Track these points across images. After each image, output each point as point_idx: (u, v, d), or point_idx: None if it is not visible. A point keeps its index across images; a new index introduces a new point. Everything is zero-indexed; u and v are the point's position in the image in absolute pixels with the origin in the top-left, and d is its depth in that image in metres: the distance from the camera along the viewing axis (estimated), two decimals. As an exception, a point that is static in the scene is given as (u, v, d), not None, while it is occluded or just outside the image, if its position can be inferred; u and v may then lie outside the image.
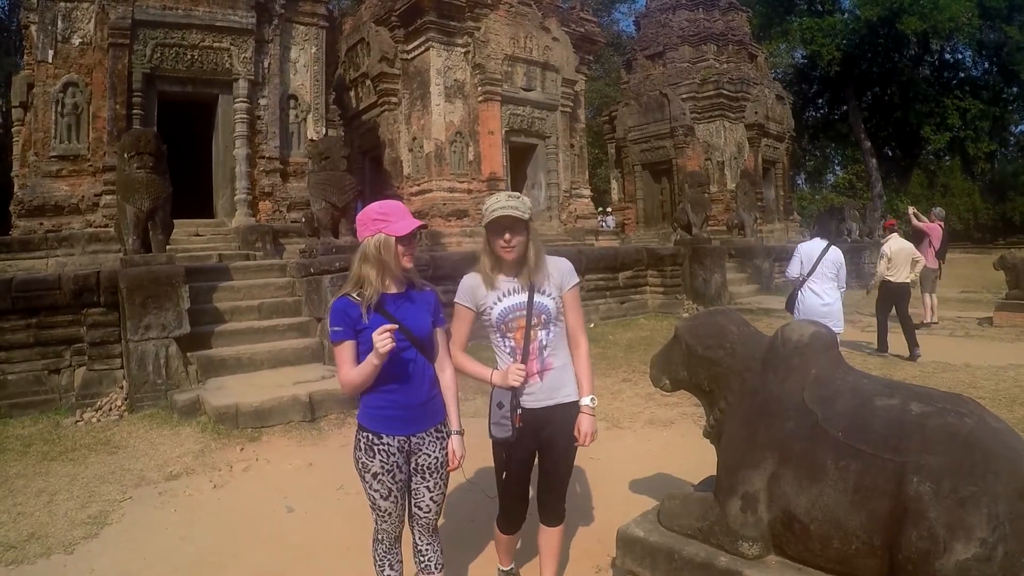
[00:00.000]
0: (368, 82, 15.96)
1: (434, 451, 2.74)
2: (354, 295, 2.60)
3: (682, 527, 2.82)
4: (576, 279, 2.97)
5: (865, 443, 2.27)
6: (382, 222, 2.59)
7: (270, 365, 7.74)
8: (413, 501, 2.79)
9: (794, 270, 6.91)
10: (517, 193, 2.90)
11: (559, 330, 2.92)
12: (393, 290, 2.68)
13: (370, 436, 2.67)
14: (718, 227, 18.82)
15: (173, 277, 7.46)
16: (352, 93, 17.04)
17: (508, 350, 2.90)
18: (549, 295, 2.87)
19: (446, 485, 2.84)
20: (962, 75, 39.46)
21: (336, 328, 2.60)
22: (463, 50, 14.58)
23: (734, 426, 2.66)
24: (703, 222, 14.70)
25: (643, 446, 5.78)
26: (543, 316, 2.84)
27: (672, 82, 21.63)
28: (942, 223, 12.28)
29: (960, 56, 39.82)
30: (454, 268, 9.65)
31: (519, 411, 2.80)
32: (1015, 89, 37.57)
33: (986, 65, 39.39)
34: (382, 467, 2.65)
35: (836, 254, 6.79)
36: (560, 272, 2.92)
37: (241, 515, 4.56)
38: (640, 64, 23.38)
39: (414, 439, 2.70)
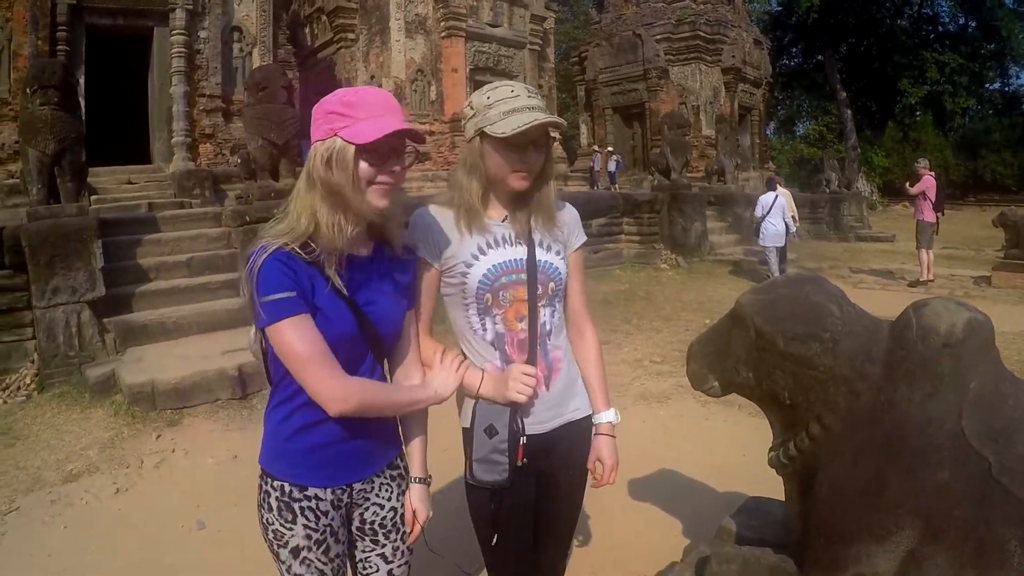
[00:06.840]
0: (324, 18, 14.97)
1: (388, 499, 1.68)
2: (296, 248, 1.44)
3: (742, 605, 1.88)
4: (584, 235, 1.93)
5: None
6: (340, 117, 1.43)
7: (200, 330, 6.73)
8: None
9: (758, 212, 11.14)
10: (529, 86, 1.71)
11: (561, 310, 1.88)
12: (359, 251, 1.56)
13: (287, 488, 1.56)
14: (695, 174, 17.98)
15: (83, 231, 6.41)
16: (307, 30, 16.08)
17: (490, 338, 1.77)
18: (557, 253, 1.80)
19: (411, 551, 1.74)
20: (941, 29, 38.96)
21: (281, 295, 1.40)
22: (425, -19, 13.51)
23: (841, 466, 1.67)
24: (683, 166, 13.78)
25: (636, 428, 4.90)
26: (551, 284, 1.78)
27: (646, 23, 20.69)
28: (930, 173, 11.50)
29: (940, 10, 39.51)
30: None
31: (523, 440, 1.72)
32: (993, 45, 37.05)
33: (963, 20, 38.91)
34: (308, 538, 1.56)
35: (781, 199, 10.95)
36: (569, 223, 1.87)
37: (141, 534, 3.61)
38: (612, 3, 22.33)
39: (357, 488, 1.63)
